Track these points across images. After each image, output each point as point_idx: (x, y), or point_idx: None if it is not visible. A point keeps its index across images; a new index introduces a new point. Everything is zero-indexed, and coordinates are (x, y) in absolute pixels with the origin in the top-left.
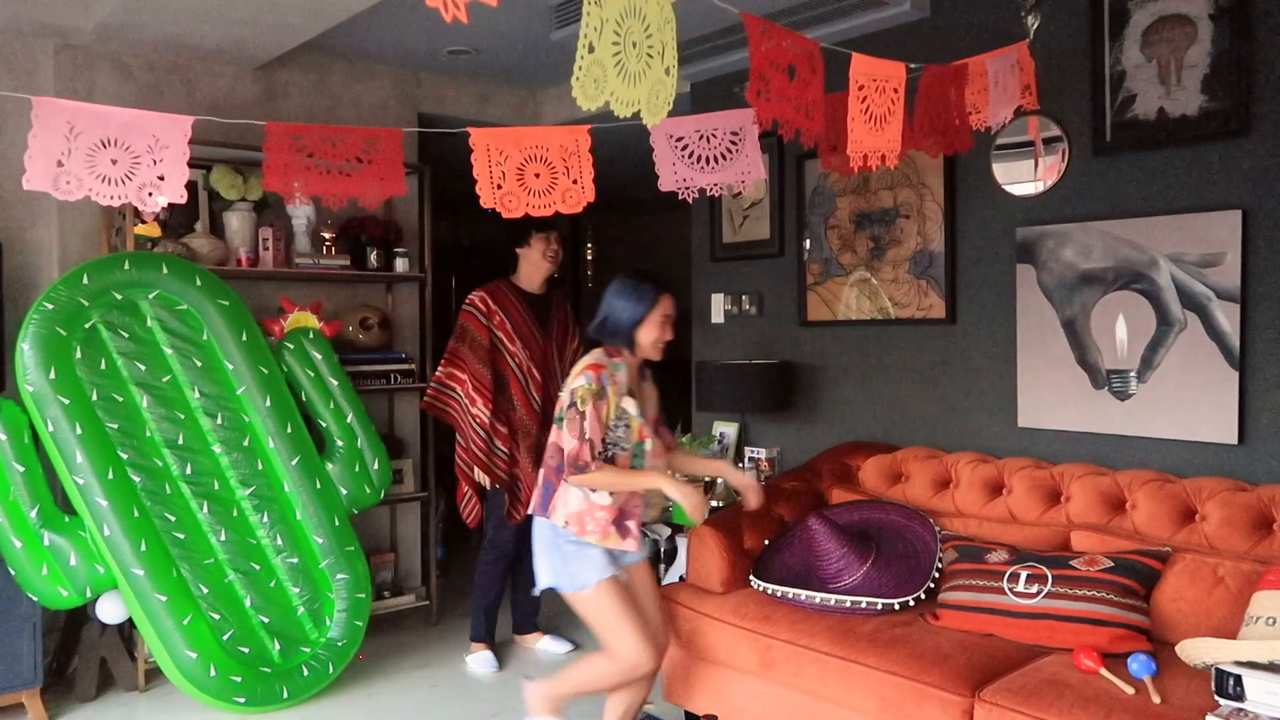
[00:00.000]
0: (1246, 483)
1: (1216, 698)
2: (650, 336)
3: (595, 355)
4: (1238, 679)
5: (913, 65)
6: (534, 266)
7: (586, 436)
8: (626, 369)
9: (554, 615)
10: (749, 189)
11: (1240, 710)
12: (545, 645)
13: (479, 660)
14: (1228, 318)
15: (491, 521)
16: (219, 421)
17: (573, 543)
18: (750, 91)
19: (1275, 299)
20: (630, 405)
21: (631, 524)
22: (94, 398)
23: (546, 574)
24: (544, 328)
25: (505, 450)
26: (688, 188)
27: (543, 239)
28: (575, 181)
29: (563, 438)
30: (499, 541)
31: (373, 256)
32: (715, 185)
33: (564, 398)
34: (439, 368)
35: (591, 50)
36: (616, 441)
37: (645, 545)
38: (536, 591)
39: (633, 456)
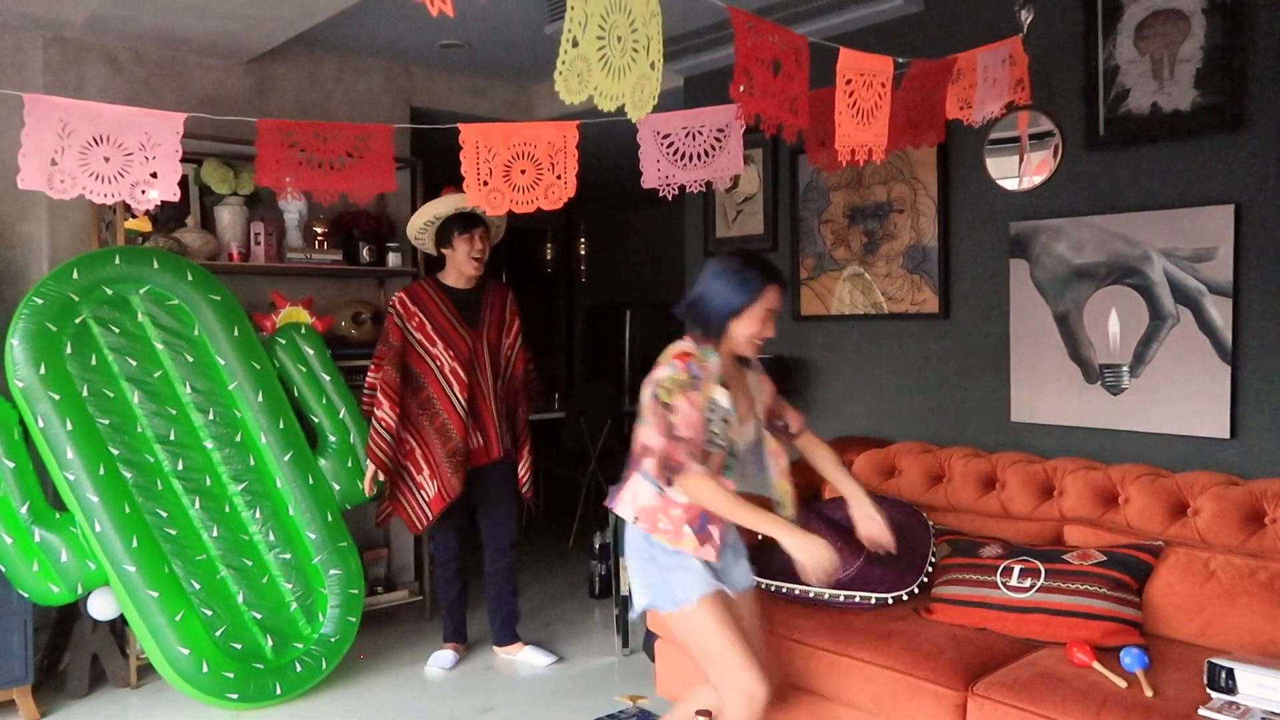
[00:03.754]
0: (1238, 477)
1: (1209, 691)
2: (747, 331)
3: (682, 342)
4: (1230, 672)
5: (901, 60)
6: (458, 268)
7: (678, 434)
8: (719, 356)
9: (540, 625)
10: (722, 185)
11: (1232, 703)
12: (526, 657)
13: (434, 659)
14: (1220, 312)
15: (435, 525)
16: (210, 417)
17: (670, 552)
18: (734, 87)
19: (1267, 293)
20: (722, 396)
21: (715, 529)
22: (84, 393)
23: (641, 591)
24: (473, 326)
25: (405, 462)
26: (669, 184)
27: (466, 239)
28: (559, 177)
29: (646, 434)
30: (445, 543)
31: (365, 251)
32: (695, 182)
33: (645, 392)
34: (369, 373)
35: (575, 45)
36: (710, 438)
37: (748, 570)
38: (633, 615)
39: (727, 456)
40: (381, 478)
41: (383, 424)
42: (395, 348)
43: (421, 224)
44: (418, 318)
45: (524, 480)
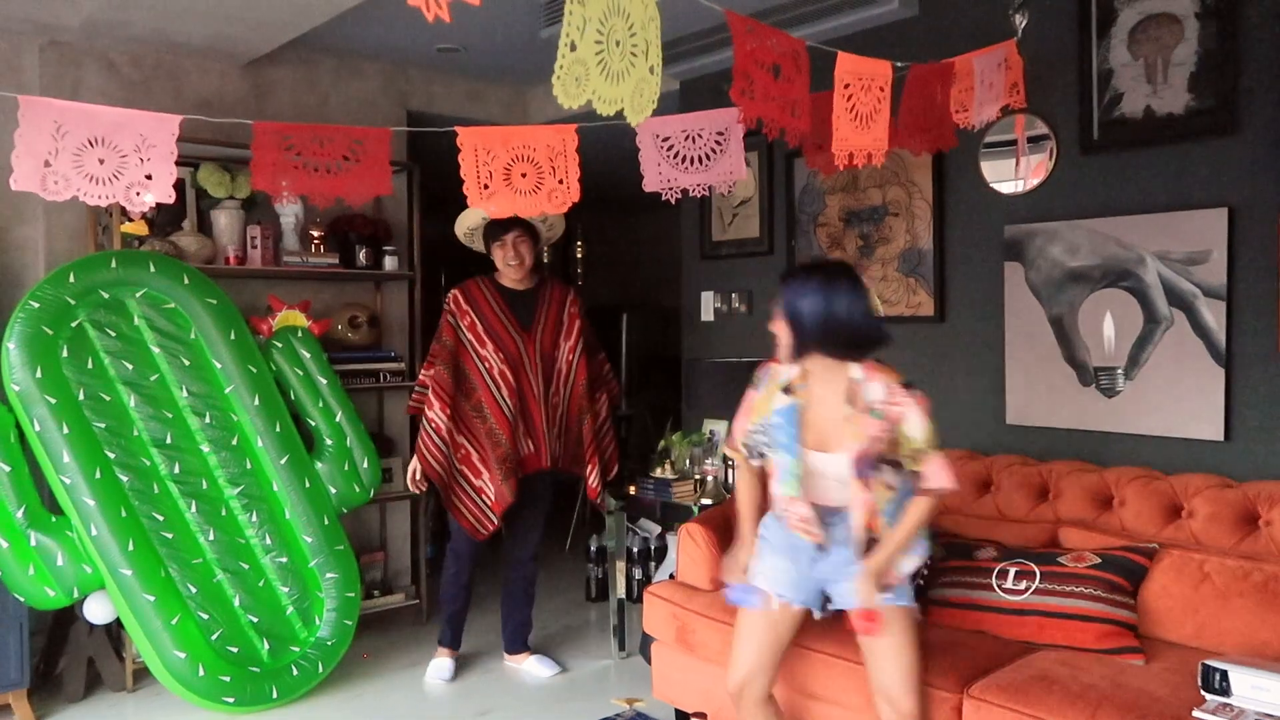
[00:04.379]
0: (1232, 479)
1: (1203, 692)
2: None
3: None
4: (1224, 674)
5: (899, 64)
6: (500, 271)
7: (736, 418)
8: (802, 369)
9: (537, 628)
10: (730, 189)
11: (1226, 705)
12: (530, 667)
13: (434, 668)
14: (1214, 315)
15: (451, 531)
16: (207, 420)
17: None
18: (734, 90)
19: (1261, 296)
20: (780, 405)
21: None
22: (81, 397)
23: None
24: (525, 326)
25: (460, 466)
26: (671, 188)
27: (499, 246)
28: (561, 181)
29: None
30: (459, 553)
31: (361, 254)
32: (698, 185)
33: None
34: (422, 370)
35: (573, 49)
36: (758, 444)
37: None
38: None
39: (783, 470)
40: (420, 475)
41: (432, 425)
42: (448, 346)
43: (465, 231)
44: (470, 316)
45: (595, 486)
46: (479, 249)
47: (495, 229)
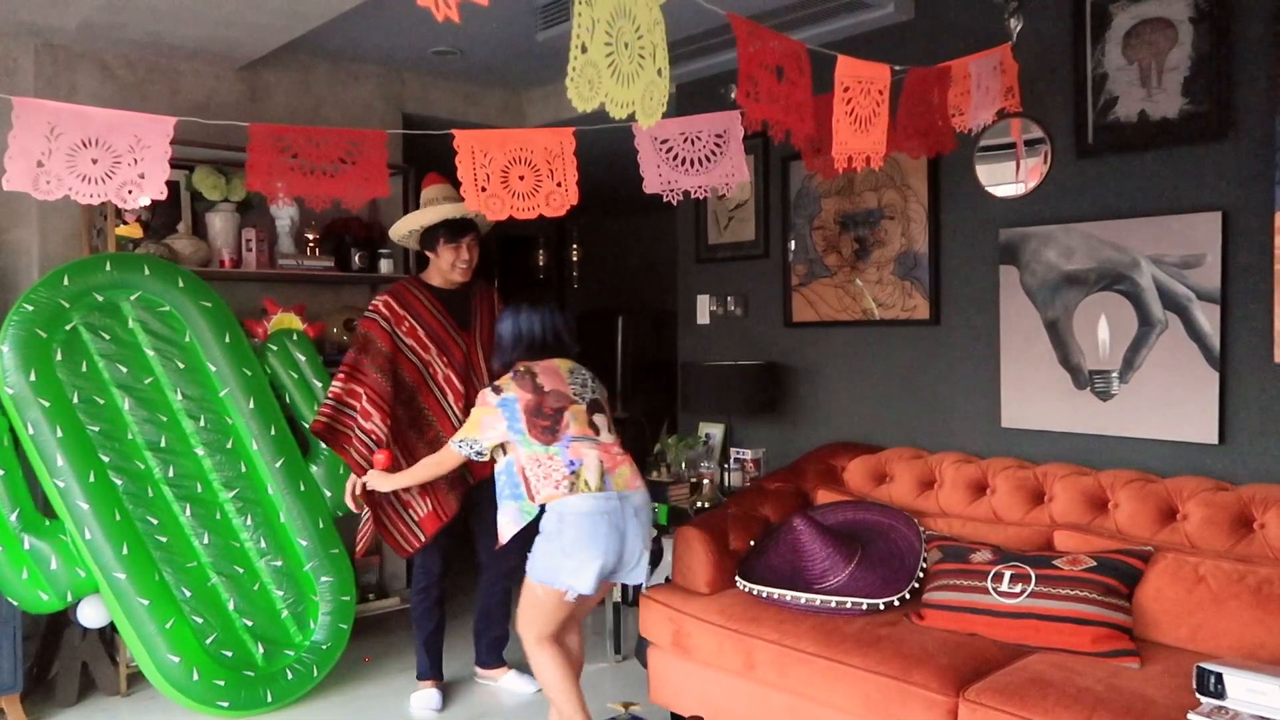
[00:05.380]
0: (1227, 482)
1: (1198, 695)
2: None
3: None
4: (1219, 676)
5: (897, 67)
6: (442, 275)
7: None
8: None
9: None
10: (732, 191)
11: (1221, 708)
12: (509, 684)
13: (419, 699)
14: (1208, 318)
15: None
16: (202, 424)
17: None
18: (740, 93)
19: (1255, 300)
20: None
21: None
22: (75, 400)
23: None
24: (464, 328)
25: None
26: (672, 190)
27: (453, 249)
28: (559, 184)
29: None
30: (427, 568)
31: (357, 258)
32: (699, 187)
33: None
34: (334, 383)
35: (584, 51)
36: None
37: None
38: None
39: None
40: (359, 489)
41: (372, 436)
42: (385, 355)
43: (405, 232)
44: (407, 322)
45: None
46: (412, 245)
47: (455, 230)
